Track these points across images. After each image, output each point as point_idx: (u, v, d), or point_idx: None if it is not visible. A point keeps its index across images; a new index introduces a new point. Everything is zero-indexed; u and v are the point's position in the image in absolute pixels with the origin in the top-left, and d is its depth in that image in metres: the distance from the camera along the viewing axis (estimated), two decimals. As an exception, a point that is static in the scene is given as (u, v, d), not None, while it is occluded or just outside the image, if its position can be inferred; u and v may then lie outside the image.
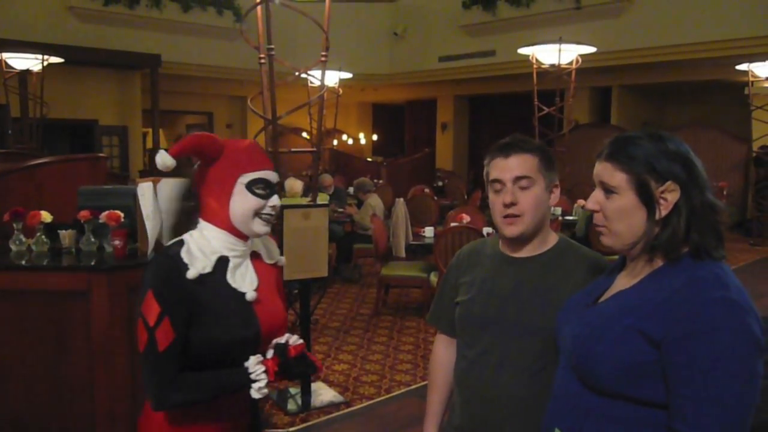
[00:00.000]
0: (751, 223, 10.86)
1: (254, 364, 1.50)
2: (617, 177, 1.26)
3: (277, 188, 1.65)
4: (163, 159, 1.57)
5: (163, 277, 1.48)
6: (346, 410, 4.03)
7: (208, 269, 1.52)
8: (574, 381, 1.30)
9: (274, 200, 1.59)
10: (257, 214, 1.57)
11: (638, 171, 1.24)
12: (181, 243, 1.56)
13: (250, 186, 1.56)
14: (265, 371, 1.50)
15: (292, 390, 4.23)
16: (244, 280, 1.58)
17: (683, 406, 1.12)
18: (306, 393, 4.12)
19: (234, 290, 1.55)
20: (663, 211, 1.23)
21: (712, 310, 1.12)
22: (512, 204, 1.58)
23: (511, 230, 1.61)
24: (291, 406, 4.02)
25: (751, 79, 9.91)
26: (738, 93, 11.34)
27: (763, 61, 9.39)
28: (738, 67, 9.87)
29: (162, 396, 1.46)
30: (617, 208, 1.27)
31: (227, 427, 1.61)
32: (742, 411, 1.10)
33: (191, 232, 1.60)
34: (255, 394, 1.50)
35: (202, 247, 1.56)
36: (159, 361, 1.45)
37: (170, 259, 1.51)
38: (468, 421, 1.68)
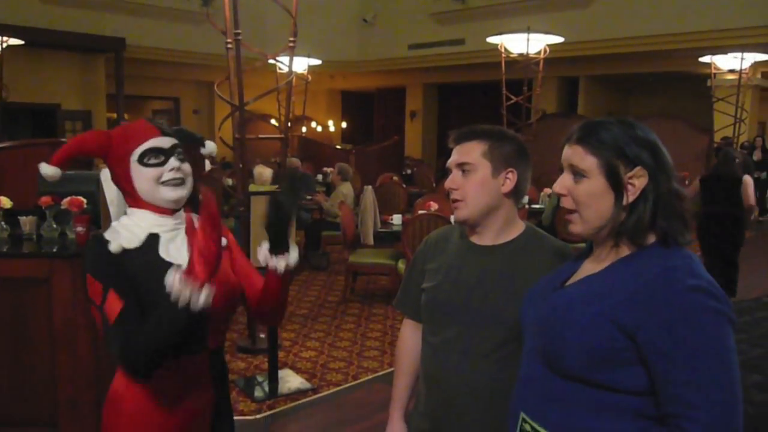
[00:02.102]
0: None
1: (170, 283, 1.32)
2: (587, 160, 1.26)
3: (196, 155, 1.66)
4: (46, 171, 1.60)
5: (93, 258, 1.52)
6: (313, 397, 4.04)
7: (134, 244, 1.54)
8: (539, 365, 1.31)
9: (172, 163, 1.58)
10: (160, 182, 1.57)
11: (608, 155, 1.25)
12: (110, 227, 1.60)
13: (141, 159, 1.57)
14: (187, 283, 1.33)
15: (260, 377, 4.23)
16: (180, 253, 1.56)
17: (681, 391, 1.14)
18: (273, 380, 4.12)
19: (169, 264, 1.49)
20: (631, 196, 1.24)
21: (687, 298, 1.15)
22: (452, 189, 1.64)
23: (456, 215, 1.66)
24: (258, 393, 4.02)
25: (713, 71, 10.12)
26: (701, 85, 11.58)
27: (725, 53, 9.59)
28: (701, 59, 10.06)
29: (133, 359, 1.43)
30: (586, 191, 1.27)
31: (190, 408, 1.61)
32: (734, 386, 1.14)
33: (122, 217, 1.63)
34: (193, 306, 1.33)
35: (129, 226, 1.59)
36: (115, 331, 1.44)
37: (95, 240, 1.55)
38: (432, 407, 1.70)
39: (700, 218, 5.88)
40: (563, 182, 1.31)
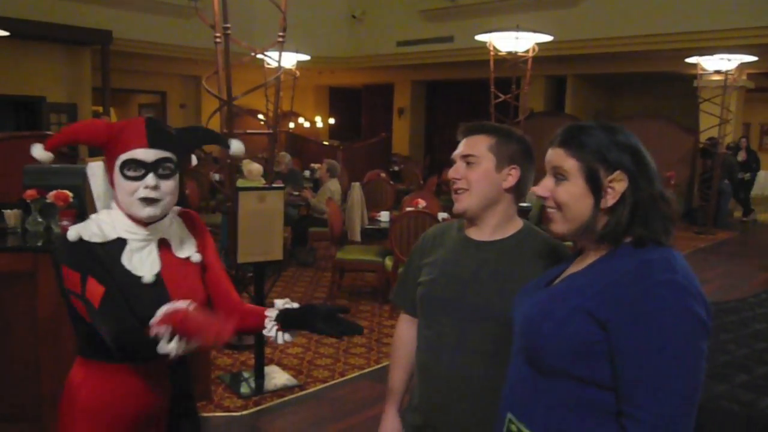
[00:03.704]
0: (696, 212, 11.22)
1: (153, 326, 1.37)
2: (568, 163, 1.29)
3: (185, 165, 1.62)
4: (38, 152, 1.59)
5: (66, 249, 1.51)
6: (299, 393, 4.03)
7: (96, 239, 1.52)
8: (525, 365, 1.32)
9: (148, 180, 1.51)
10: (134, 197, 1.52)
11: (589, 159, 1.27)
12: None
13: (122, 169, 1.53)
14: (169, 332, 1.37)
15: (245, 373, 4.22)
16: (142, 264, 1.55)
17: (631, 390, 1.15)
18: (259, 376, 4.11)
19: (129, 273, 1.53)
20: (610, 200, 1.26)
21: (658, 293, 1.15)
22: (455, 179, 1.66)
23: (457, 205, 1.68)
24: (244, 389, 4.01)
25: (699, 72, 10.21)
26: (687, 85, 11.67)
27: (712, 54, 9.67)
28: (687, 60, 10.14)
29: (124, 339, 1.43)
30: (566, 193, 1.30)
31: (144, 411, 1.61)
32: (689, 392, 1.14)
33: (102, 211, 1.63)
34: (169, 353, 1.37)
35: (102, 222, 1.57)
36: (102, 314, 1.44)
37: (74, 243, 1.52)
38: (425, 401, 1.70)
39: None
40: (545, 184, 1.34)
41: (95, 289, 1.44)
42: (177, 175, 1.58)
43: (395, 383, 1.86)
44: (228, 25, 4.12)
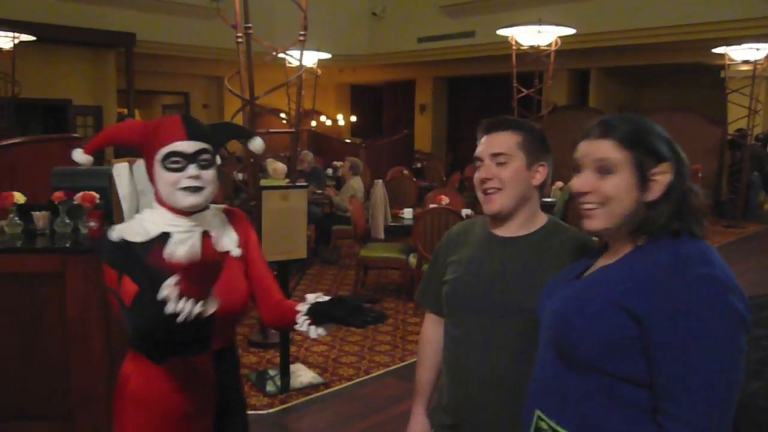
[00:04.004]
0: (725, 205, 11.03)
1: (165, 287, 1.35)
2: (617, 155, 1.24)
3: (220, 158, 1.66)
4: (79, 156, 1.67)
5: (108, 249, 1.56)
6: (325, 391, 4.04)
7: (139, 239, 1.57)
8: (554, 361, 1.30)
9: (190, 170, 1.58)
10: (177, 187, 1.58)
11: (638, 150, 1.23)
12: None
13: (163, 161, 1.59)
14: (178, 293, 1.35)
15: (271, 371, 4.24)
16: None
17: (668, 386, 1.13)
18: (285, 374, 4.13)
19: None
20: (655, 193, 1.23)
21: (696, 288, 1.13)
22: (487, 179, 1.61)
23: (490, 206, 1.63)
24: (270, 387, 4.03)
25: (727, 62, 10.01)
26: (714, 76, 11.46)
27: (740, 44, 9.48)
28: (715, 51, 9.95)
29: (143, 334, 1.47)
30: (614, 187, 1.25)
31: (191, 402, 1.64)
32: (727, 389, 1.11)
33: (144, 210, 1.68)
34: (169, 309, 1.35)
35: (145, 220, 1.62)
36: (132, 313, 1.47)
37: (116, 243, 1.56)
38: (455, 401, 1.68)
39: None
40: (586, 179, 1.28)
41: (129, 287, 1.48)
42: (215, 166, 1.64)
43: (422, 383, 1.85)
44: (249, 25, 4.14)
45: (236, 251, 1.71)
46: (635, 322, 1.16)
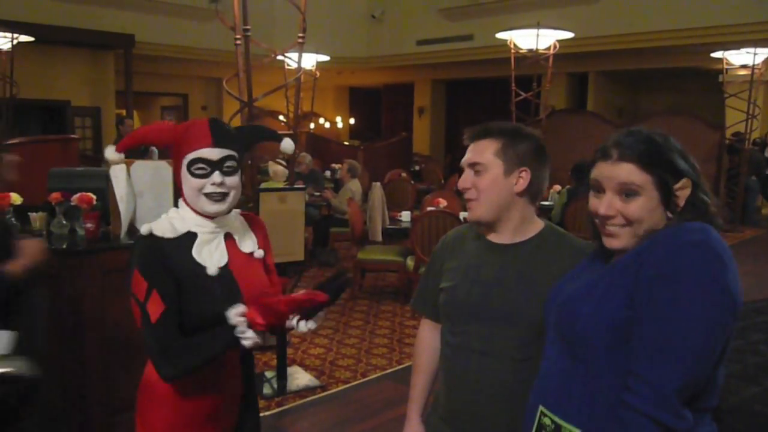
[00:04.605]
0: (723, 210, 11.05)
1: (234, 316, 1.52)
2: (641, 178, 1.24)
3: (239, 165, 1.68)
4: (112, 156, 1.72)
5: (145, 255, 1.58)
6: (321, 394, 4.03)
7: (168, 234, 1.61)
8: (563, 357, 1.29)
9: (215, 177, 1.60)
10: (202, 193, 1.61)
11: (660, 171, 1.23)
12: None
13: (189, 167, 1.61)
14: (248, 324, 1.51)
15: (268, 374, 4.23)
16: (210, 256, 1.64)
17: (639, 347, 1.14)
18: (282, 377, 4.12)
19: (198, 264, 1.61)
20: (678, 207, 1.24)
21: (685, 254, 1.13)
22: (465, 189, 1.62)
23: (470, 214, 1.65)
24: (266, 390, 4.02)
25: (725, 66, 10.03)
26: (712, 80, 11.48)
27: (738, 49, 9.51)
28: (713, 55, 9.98)
29: (164, 364, 1.53)
30: (641, 210, 1.24)
31: (221, 396, 1.68)
32: (694, 361, 1.11)
33: (170, 209, 1.71)
34: (246, 344, 1.52)
35: (174, 218, 1.66)
36: (155, 332, 1.53)
37: (149, 238, 1.60)
38: (452, 408, 1.68)
39: None
40: (611, 203, 1.27)
41: (156, 305, 1.53)
42: (239, 171, 1.67)
43: (418, 389, 1.84)
44: (248, 27, 4.14)
45: (259, 252, 1.77)
46: (630, 301, 1.17)
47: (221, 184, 1.61)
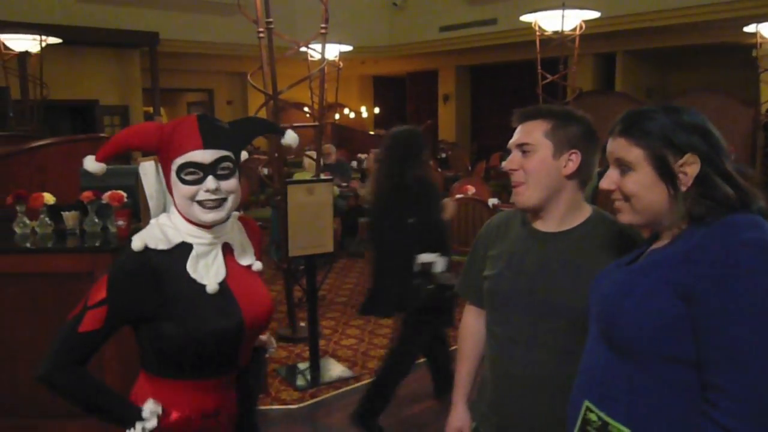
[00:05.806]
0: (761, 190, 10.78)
1: (149, 412, 1.45)
2: (633, 153, 1.23)
3: (233, 166, 1.49)
4: (91, 165, 1.52)
5: (124, 272, 1.45)
6: (355, 385, 4.04)
7: (161, 246, 1.46)
8: (605, 351, 1.26)
9: (208, 183, 1.43)
10: (195, 200, 1.45)
11: (654, 145, 1.21)
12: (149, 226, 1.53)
13: (179, 173, 1.44)
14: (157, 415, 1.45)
15: (301, 365, 4.25)
16: (208, 271, 1.48)
17: (714, 357, 1.08)
18: (315, 368, 4.14)
19: (193, 281, 1.46)
20: (686, 184, 1.19)
21: (743, 252, 1.08)
22: (512, 170, 1.57)
23: (517, 200, 1.59)
24: (300, 381, 4.04)
25: (759, 40, 9.74)
26: (745, 56, 11.17)
27: (772, 21, 9.22)
28: (746, 29, 9.69)
29: (51, 369, 1.42)
30: (634, 184, 1.24)
31: (212, 413, 1.57)
32: None
33: (161, 215, 1.55)
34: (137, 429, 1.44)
35: (166, 226, 1.50)
36: (72, 337, 1.43)
37: (142, 255, 1.45)
38: (498, 398, 1.65)
39: None
40: (610, 177, 1.28)
41: (96, 319, 1.41)
42: (237, 173, 1.49)
43: (463, 375, 1.83)
44: (270, 20, 4.14)
45: (257, 265, 1.62)
46: (682, 299, 1.12)
47: (216, 190, 1.43)
